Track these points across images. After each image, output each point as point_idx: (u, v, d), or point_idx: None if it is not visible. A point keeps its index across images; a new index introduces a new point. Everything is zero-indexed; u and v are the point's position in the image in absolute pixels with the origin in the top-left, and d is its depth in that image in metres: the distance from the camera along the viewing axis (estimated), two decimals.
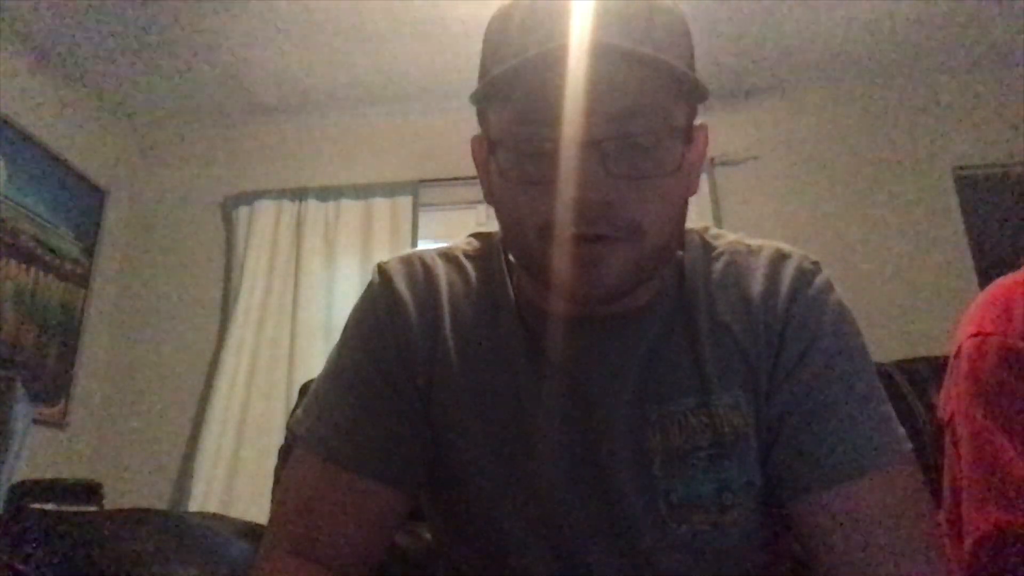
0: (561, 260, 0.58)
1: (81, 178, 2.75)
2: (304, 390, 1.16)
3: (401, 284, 0.72)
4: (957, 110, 2.81)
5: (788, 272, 0.68)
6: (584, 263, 0.58)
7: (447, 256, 0.75)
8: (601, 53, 0.56)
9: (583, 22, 0.57)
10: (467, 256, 0.75)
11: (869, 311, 2.24)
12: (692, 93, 0.60)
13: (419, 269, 0.73)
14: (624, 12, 0.58)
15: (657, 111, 0.58)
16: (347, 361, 0.71)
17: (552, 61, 0.56)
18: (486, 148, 0.64)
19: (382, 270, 0.74)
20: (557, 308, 0.67)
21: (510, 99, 0.59)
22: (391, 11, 2.41)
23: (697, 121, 0.64)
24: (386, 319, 0.70)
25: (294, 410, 1.13)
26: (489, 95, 0.61)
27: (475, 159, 0.69)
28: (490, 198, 0.67)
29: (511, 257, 0.73)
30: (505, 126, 0.60)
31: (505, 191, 0.62)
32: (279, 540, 0.66)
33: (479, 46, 0.65)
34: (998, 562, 0.74)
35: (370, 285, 0.74)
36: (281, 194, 2.89)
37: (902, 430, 0.65)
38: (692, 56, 0.64)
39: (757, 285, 0.68)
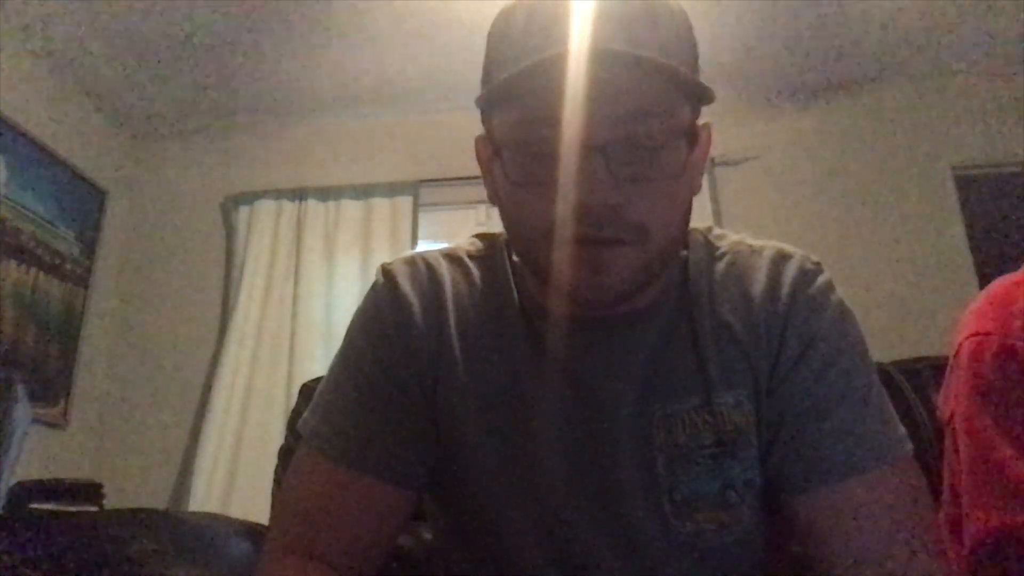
0: (565, 263, 0.58)
1: (81, 178, 2.74)
2: (304, 390, 1.16)
3: (406, 285, 0.71)
4: (957, 110, 2.81)
5: (789, 272, 0.68)
6: (589, 266, 0.58)
7: (451, 257, 0.75)
8: (603, 58, 0.55)
9: (584, 26, 0.56)
10: (471, 257, 0.75)
11: (869, 311, 2.24)
12: (696, 95, 0.60)
13: (423, 270, 0.73)
14: (626, 15, 0.57)
15: (661, 113, 0.57)
16: (352, 362, 0.71)
17: (554, 67, 0.55)
18: (490, 150, 0.64)
19: (386, 271, 0.73)
20: (561, 308, 0.67)
21: (514, 103, 0.59)
22: (391, 12, 2.41)
23: (700, 120, 0.64)
24: (391, 320, 0.70)
25: (293, 411, 1.14)
26: (493, 99, 0.61)
27: (479, 159, 0.69)
28: (494, 199, 0.67)
29: (515, 258, 0.72)
30: (509, 129, 0.60)
31: (510, 194, 0.62)
32: (283, 540, 0.66)
33: (480, 46, 0.65)
34: (998, 562, 0.73)
35: (374, 286, 0.73)
36: (281, 194, 2.89)
37: (903, 430, 0.65)
38: (696, 56, 0.63)
39: (759, 285, 0.68)
